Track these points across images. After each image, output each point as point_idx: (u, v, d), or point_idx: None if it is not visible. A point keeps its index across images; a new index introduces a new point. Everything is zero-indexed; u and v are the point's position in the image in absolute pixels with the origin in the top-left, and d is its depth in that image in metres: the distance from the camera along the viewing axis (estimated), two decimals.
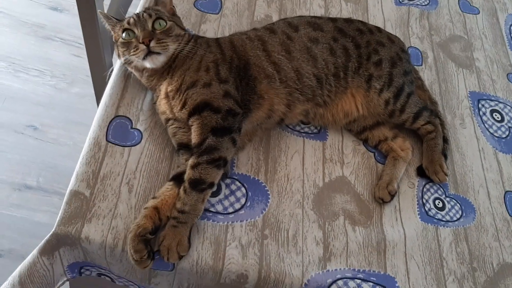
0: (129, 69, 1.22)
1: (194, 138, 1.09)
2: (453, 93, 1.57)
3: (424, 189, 1.32)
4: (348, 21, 1.40)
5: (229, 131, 1.10)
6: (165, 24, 1.17)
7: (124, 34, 1.15)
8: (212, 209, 1.12)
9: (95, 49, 1.39)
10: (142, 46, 1.12)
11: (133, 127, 1.20)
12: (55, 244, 1.03)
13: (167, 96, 1.16)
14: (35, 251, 1.03)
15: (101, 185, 1.09)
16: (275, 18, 1.57)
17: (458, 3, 1.87)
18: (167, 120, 1.18)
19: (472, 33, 1.79)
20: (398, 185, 1.29)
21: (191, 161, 1.06)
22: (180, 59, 1.18)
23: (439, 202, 1.30)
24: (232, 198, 1.16)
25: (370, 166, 1.33)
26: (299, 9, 1.63)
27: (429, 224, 1.25)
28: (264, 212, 1.16)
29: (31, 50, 2.48)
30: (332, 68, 1.28)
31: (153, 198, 1.07)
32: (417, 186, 1.32)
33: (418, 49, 1.66)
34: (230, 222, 1.12)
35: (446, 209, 1.29)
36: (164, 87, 1.16)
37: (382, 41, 1.38)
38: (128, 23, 1.16)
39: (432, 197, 1.31)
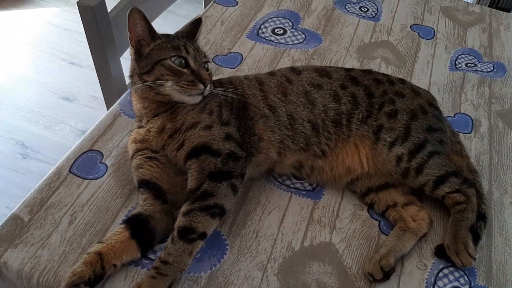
0: (146, 87, 1.04)
1: (190, 183, 0.96)
2: (508, 167, 1.26)
3: (440, 274, 1.01)
4: (367, 72, 1.24)
5: (228, 176, 0.97)
6: (208, 69, 1.10)
7: (177, 60, 1.03)
8: (151, 256, 0.97)
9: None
10: (201, 86, 1.03)
11: (102, 161, 1.14)
12: None
13: (161, 130, 1.04)
14: None
15: (44, 213, 1.02)
16: None
17: None
18: (138, 150, 1.07)
19: None
20: (398, 262, 1.01)
21: (183, 208, 0.93)
22: None
23: None
24: None
25: (370, 236, 1.07)
26: None
27: None
28: (213, 268, 0.97)
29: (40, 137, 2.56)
30: (332, 114, 1.12)
31: (99, 242, 0.95)
32: (431, 268, 1.02)
33: (468, 115, 1.41)
34: None
35: None
36: (161, 121, 1.05)
37: (402, 92, 1.18)
38: (187, 51, 1.05)
39: (449, 286, 0.99)
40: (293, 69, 1.21)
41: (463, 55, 1.64)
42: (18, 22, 3.33)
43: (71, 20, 3.31)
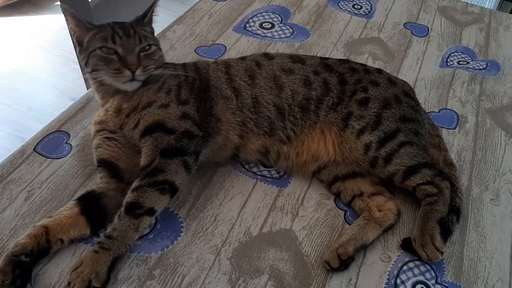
0: (91, 78, 1.04)
1: (143, 160, 0.96)
2: (491, 164, 1.20)
3: (404, 268, 0.96)
4: (344, 61, 1.21)
5: (181, 153, 0.95)
6: (149, 48, 1.04)
7: (104, 49, 1.00)
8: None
9: None
10: (128, 72, 0.99)
11: (67, 142, 1.13)
12: None
13: (119, 111, 1.04)
14: None
15: (1, 189, 1.02)
16: None
17: None
18: (98, 131, 1.06)
19: None
20: (360, 252, 0.96)
21: (133, 184, 0.92)
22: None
23: None
24: None
25: (334, 226, 1.03)
26: None
27: None
28: (165, 249, 0.94)
29: None
30: (300, 99, 1.09)
31: (49, 217, 0.93)
32: (395, 261, 0.97)
33: (454, 111, 1.35)
34: None
35: None
36: (117, 101, 1.04)
37: (377, 81, 1.15)
38: (113, 40, 1.01)
39: (413, 280, 0.94)
40: (265, 55, 1.19)
41: (456, 53, 1.60)
42: (36, 27, 3.41)
43: None
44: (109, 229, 0.88)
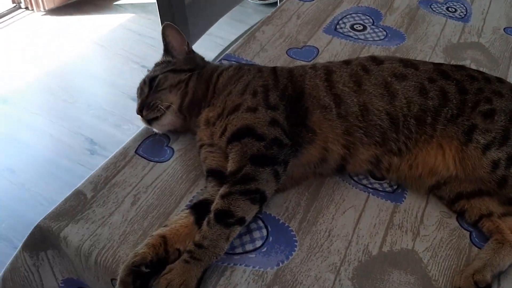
0: None
1: (230, 165, 0.92)
2: None
3: None
4: (459, 67, 1.12)
5: (272, 162, 0.90)
6: (157, 80, 1.07)
7: None
8: None
9: None
10: (141, 118, 1.06)
11: (168, 145, 1.09)
12: (39, 241, 0.93)
13: (207, 122, 1.03)
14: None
15: (107, 191, 0.98)
16: None
17: None
18: (201, 146, 1.04)
19: None
20: (496, 278, 0.87)
21: (222, 190, 0.88)
22: (220, 86, 1.06)
23: None
24: (246, 238, 0.92)
25: (460, 248, 0.94)
26: None
27: None
28: (281, 264, 0.88)
29: None
30: (416, 110, 1.00)
31: (163, 226, 0.90)
32: None
33: None
34: (232, 264, 0.87)
35: None
36: (204, 115, 1.04)
37: (501, 91, 1.05)
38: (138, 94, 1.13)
39: None
40: (373, 58, 1.10)
41: None
42: (97, 26, 3.46)
43: (146, 26, 3.41)
44: (198, 237, 0.83)
